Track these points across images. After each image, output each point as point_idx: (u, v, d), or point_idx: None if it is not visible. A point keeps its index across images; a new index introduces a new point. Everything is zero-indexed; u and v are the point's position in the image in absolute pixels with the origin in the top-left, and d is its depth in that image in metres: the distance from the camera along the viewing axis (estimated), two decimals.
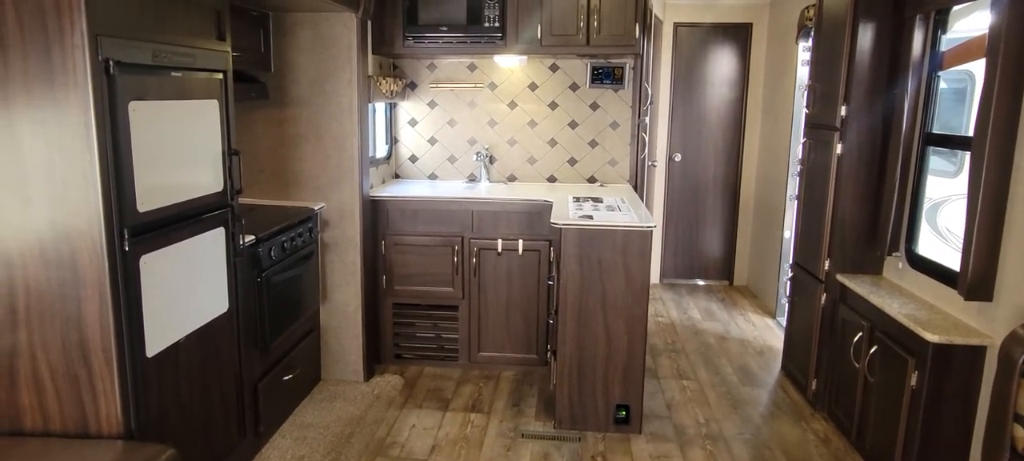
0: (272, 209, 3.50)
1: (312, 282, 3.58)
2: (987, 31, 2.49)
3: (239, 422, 2.85)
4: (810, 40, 4.73)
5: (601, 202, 3.71)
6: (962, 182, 3.71)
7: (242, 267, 2.78)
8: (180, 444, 2.31)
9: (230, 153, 2.60)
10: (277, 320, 3.17)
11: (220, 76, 2.53)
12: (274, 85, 3.58)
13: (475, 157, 4.47)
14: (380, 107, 4.39)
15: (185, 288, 2.38)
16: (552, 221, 3.22)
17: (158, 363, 2.24)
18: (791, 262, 4.01)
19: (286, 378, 3.33)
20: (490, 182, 4.46)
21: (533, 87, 4.44)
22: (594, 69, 4.33)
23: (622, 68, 4.31)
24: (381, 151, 4.41)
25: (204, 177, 2.47)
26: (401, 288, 4.01)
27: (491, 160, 4.52)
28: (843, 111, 3.33)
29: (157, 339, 2.23)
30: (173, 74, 2.25)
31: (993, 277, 2.52)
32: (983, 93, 2.48)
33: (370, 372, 3.93)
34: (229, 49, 2.58)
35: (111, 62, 1.93)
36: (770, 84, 5.48)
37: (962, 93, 3.32)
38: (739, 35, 5.67)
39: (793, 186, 4.95)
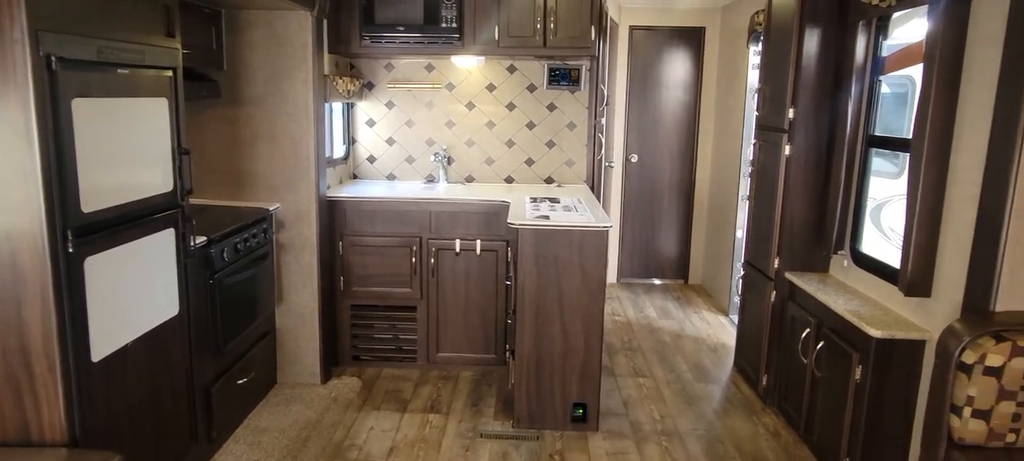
0: (225, 210, 3.43)
1: (267, 284, 3.52)
2: (924, 38, 2.60)
3: (191, 427, 2.79)
4: (760, 44, 4.87)
5: (558, 202, 3.75)
6: (903, 183, 3.88)
7: (193, 269, 2.73)
8: (128, 450, 2.25)
9: (180, 152, 2.54)
10: (231, 323, 3.11)
11: (169, 74, 2.47)
12: (227, 84, 3.52)
13: (433, 158, 4.47)
14: (337, 107, 4.35)
15: (133, 291, 2.32)
16: (509, 221, 3.24)
17: (104, 368, 2.18)
18: (743, 261, 4.11)
19: (240, 382, 3.27)
20: (448, 183, 4.46)
21: (491, 88, 4.46)
22: (551, 70, 4.36)
23: (578, 70, 4.36)
24: (338, 151, 4.37)
25: (153, 177, 2.41)
26: (359, 289, 3.98)
27: (449, 161, 4.52)
28: (791, 114, 3.44)
29: (103, 343, 2.17)
30: (119, 71, 2.19)
31: (931, 274, 2.63)
32: (920, 97, 2.59)
33: (327, 374, 3.89)
34: (179, 46, 2.53)
35: (53, 58, 1.88)
36: (722, 87, 5.61)
37: (903, 97, 3.46)
38: (692, 39, 5.79)
39: (744, 187, 5.07)
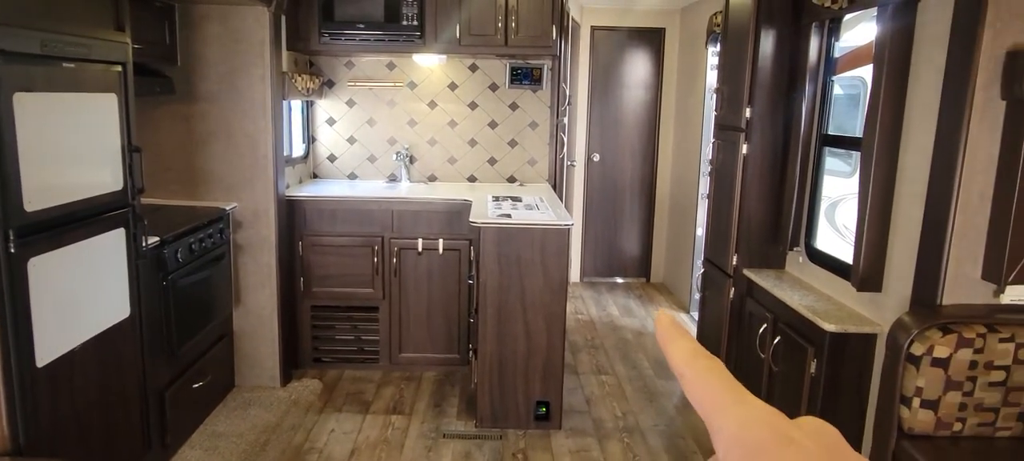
0: (179, 209, 3.35)
1: (224, 285, 3.45)
2: (874, 40, 2.67)
3: (144, 433, 2.71)
4: (718, 46, 4.96)
5: (520, 201, 3.75)
6: (856, 181, 4.00)
7: (145, 270, 2.65)
8: (77, 458, 2.17)
9: (131, 150, 2.47)
10: (185, 325, 3.04)
11: (119, 69, 2.40)
12: (181, 80, 3.43)
13: (395, 157, 4.43)
14: (296, 105, 4.28)
15: (81, 293, 2.24)
16: (471, 220, 3.23)
17: (50, 373, 2.11)
18: (702, 258, 4.17)
19: (196, 386, 3.20)
20: (410, 182, 4.43)
21: (453, 87, 4.44)
22: (513, 70, 4.37)
23: (540, 69, 4.37)
24: (298, 150, 4.30)
25: (101, 175, 2.34)
26: (319, 290, 3.93)
27: (411, 160, 4.49)
28: (748, 113, 3.50)
29: (48, 348, 2.09)
30: (65, 65, 2.12)
31: (882, 270, 2.70)
32: (870, 97, 2.66)
33: (287, 377, 3.82)
34: (129, 40, 2.46)
35: None
36: (682, 87, 5.69)
37: (854, 97, 3.55)
38: (653, 40, 5.85)
39: (704, 185, 5.15)
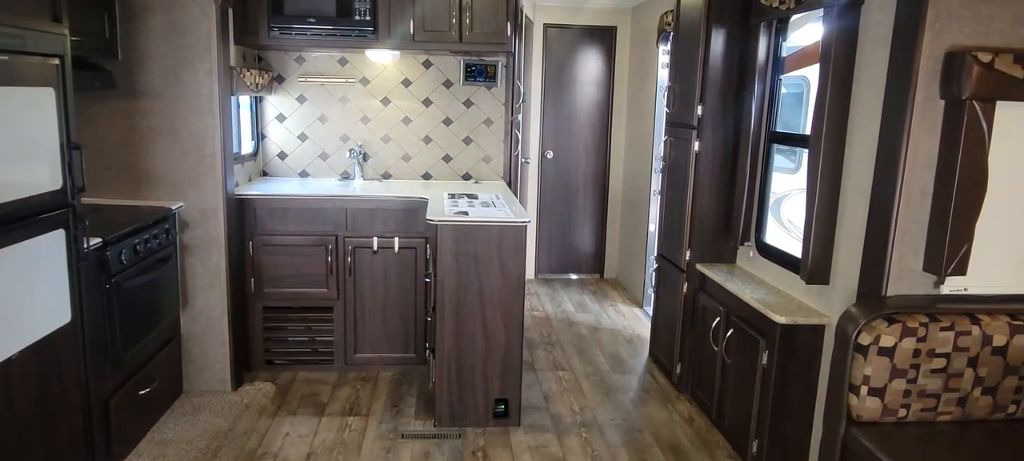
0: (123, 209, 3.22)
1: (171, 287, 3.33)
2: (820, 40, 2.75)
3: (87, 443, 2.60)
4: (669, 44, 5.04)
5: (476, 199, 3.74)
6: (801, 177, 4.12)
7: (87, 273, 2.54)
8: None
9: (70, 147, 2.36)
10: (130, 330, 2.92)
11: (56, 62, 2.29)
12: (123, 74, 3.29)
13: (348, 154, 4.36)
14: (245, 101, 4.16)
15: (16, 298, 2.13)
16: (428, 218, 3.20)
17: None
18: (656, 254, 4.24)
19: (143, 392, 3.08)
20: (364, 179, 4.36)
21: (407, 83, 4.39)
22: (467, 66, 4.35)
23: (495, 66, 4.36)
24: (247, 147, 4.19)
25: (37, 173, 2.23)
26: (271, 290, 3.83)
27: (365, 157, 4.42)
28: (699, 111, 3.57)
29: None
30: None
31: (829, 263, 2.79)
32: (817, 95, 2.74)
33: (239, 380, 3.72)
34: (66, 32, 2.34)
35: None
36: (634, 85, 5.76)
37: (800, 96, 3.66)
38: (605, 38, 5.91)
39: (656, 182, 5.23)
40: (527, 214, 3.30)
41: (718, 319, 3.35)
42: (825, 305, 2.83)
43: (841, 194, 2.74)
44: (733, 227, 3.52)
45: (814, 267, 2.79)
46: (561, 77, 5.95)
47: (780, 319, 2.79)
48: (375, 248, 3.81)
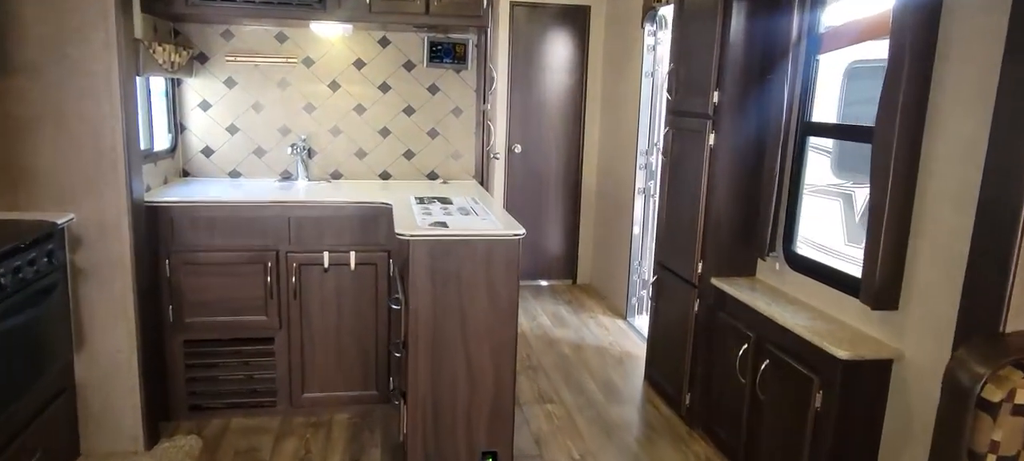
0: None
1: (58, 325, 2.56)
2: (892, 9, 2.23)
3: None
4: (655, 24, 4.49)
5: (450, 204, 3.09)
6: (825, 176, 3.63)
7: None
8: None
9: None
10: (2, 385, 2.16)
11: None
12: None
13: (290, 150, 3.63)
14: (158, 84, 3.39)
15: None
16: (397, 232, 2.53)
17: None
18: (654, 262, 3.69)
19: None
20: (310, 180, 3.65)
21: (360, 65, 3.69)
22: (432, 45, 3.69)
23: (464, 45, 3.72)
24: (162, 142, 3.41)
25: None
26: (196, 320, 3.09)
27: (310, 153, 3.70)
28: (716, 98, 3.02)
29: None
30: None
31: (899, 284, 2.28)
32: (887, 79, 2.21)
33: (154, 435, 2.96)
34: None
35: None
36: (611, 71, 5.20)
37: (854, 78, 3.15)
38: (577, 19, 5.32)
39: (641, 179, 4.69)
40: (519, 225, 2.68)
41: (746, 346, 2.81)
42: (891, 334, 2.32)
43: (916, 198, 2.23)
44: (758, 235, 2.99)
45: (882, 288, 2.27)
46: (530, 62, 5.33)
47: (842, 354, 2.26)
48: (326, 265, 3.12)
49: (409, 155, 3.83)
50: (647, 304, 4.82)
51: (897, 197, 2.22)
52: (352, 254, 3.13)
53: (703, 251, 3.16)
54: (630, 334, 4.53)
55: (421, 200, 3.14)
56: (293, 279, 3.11)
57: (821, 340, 2.35)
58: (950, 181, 2.08)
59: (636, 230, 4.77)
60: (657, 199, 4.18)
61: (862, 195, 4.85)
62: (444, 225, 2.62)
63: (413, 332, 2.59)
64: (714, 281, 3.09)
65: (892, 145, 2.19)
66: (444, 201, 3.15)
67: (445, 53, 3.71)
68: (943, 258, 2.11)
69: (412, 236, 2.50)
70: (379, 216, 3.11)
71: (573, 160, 5.54)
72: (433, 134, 3.83)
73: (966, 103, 2.02)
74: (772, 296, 2.83)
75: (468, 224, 2.67)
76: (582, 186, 5.57)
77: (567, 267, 5.72)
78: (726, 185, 3.07)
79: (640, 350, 4.19)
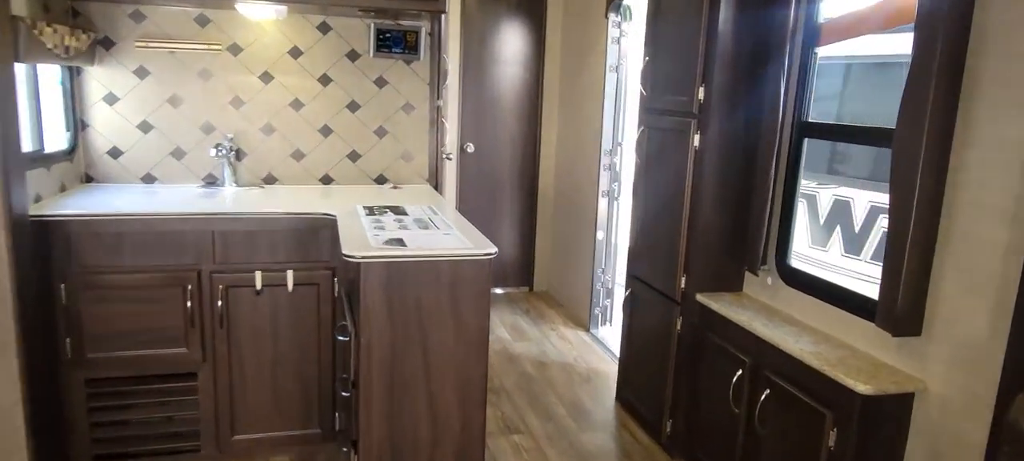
0: None
1: None
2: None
3: None
4: (620, 14, 4.19)
5: (405, 215, 2.69)
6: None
7: None
8: None
9: None
10: None
11: None
12: None
13: (215, 151, 3.14)
14: (50, 73, 2.85)
15: None
16: (344, 253, 2.12)
17: None
18: (627, 273, 3.38)
19: None
20: (238, 186, 3.18)
21: (296, 53, 3.24)
22: (380, 33, 3.27)
23: (416, 33, 3.31)
24: (58, 142, 2.88)
25: None
26: (100, 355, 2.59)
27: (238, 155, 3.23)
28: (701, 94, 2.72)
29: None
30: None
31: (922, 308, 2.02)
32: (914, 76, 1.94)
33: None
34: None
35: None
36: (571, 65, 4.87)
37: (851, 75, 2.90)
38: (533, 8, 4.97)
39: (606, 180, 4.39)
40: (488, 241, 2.31)
41: (741, 373, 2.53)
42: (912, 363, 2.07)
43: (944, 212, 1.97)
44: (750, 246, 2.71)
45: (904, 312, 2.01)
46: (483, 54, 4.95)
47: (863, 388, 1.99)
48: (258, 286, 2.68)
49: (354, 156, 3.40)
50: (611, 314, 4.53)
51: (924, 211, 1.96)
52: (289, 273, 2.69)
53: (687, 264, 2.86)
54: (595, 348, 4.23)
55: (371, 210, 2.73)
56: (219, 304, 2.65)
57: (834, 370, 2.07)
58: (986, 191, 1.83)
59: (600, 235, 4.47)
60: (624, 203, 3.89)
61: (826, 197, 4.69)
62: (400, 242, 2.23)
63: (365, 369, 2.19)
64: (701, 298, 2.79)
65: (919, 153, 1.92)
66: (397, 211, 2.74)
67: (394, 42, 3.29)
68: (976, 277, 1.86)
69: (364, 258, 2.10)
70: (321, 229, 2.69)
71: (529, 160, 5.19)
72: (381, 133, 3.41)
73: (1009, 105, 1.76)
74: (767, 316, 2.56)
75: (429, 241, 2.28)
76: (539, 187, 5.23)
77: (523, 274, 5.38)
78: (713, 191, 2.77)
79: (608, 366, 3.89)
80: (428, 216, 2.67)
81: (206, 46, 3.11)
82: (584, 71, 4.63)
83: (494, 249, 2.22)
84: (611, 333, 4.43)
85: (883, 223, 3.61)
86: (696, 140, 2.76)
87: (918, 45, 1.93)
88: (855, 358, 2.17)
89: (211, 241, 2.63)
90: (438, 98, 3.41)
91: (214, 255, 2.63)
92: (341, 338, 2.49)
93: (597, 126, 4.40)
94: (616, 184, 4.40)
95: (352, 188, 3.29)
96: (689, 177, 2.81)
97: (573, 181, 4.87)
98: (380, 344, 2.18)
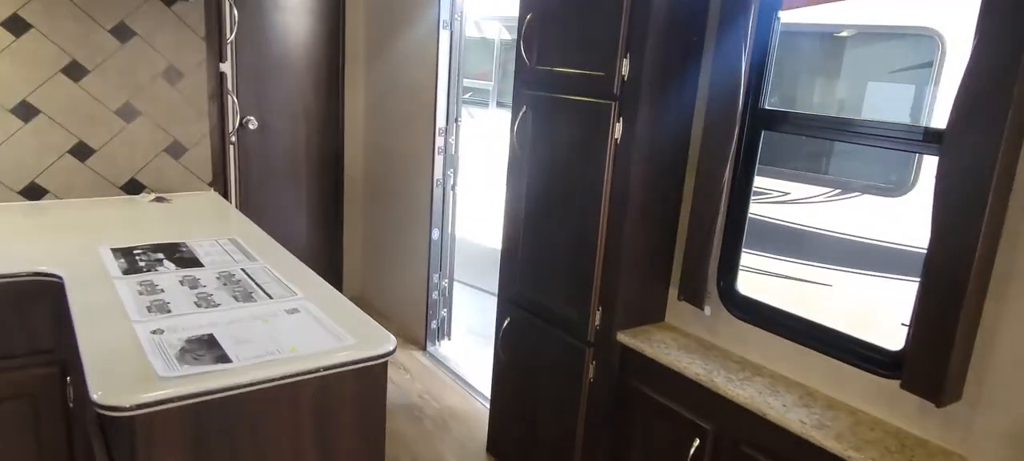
0: None
1: None
2: None
3: None
4: None
5: (198, 265, 1.60)
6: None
7: None
8: None
9: None
10: None
11: None
12: None
13: None
14: None
15: None
16: (98, 402, 1.04)
17: None
18: (502, 296, 2.60)
19: None
20: None
21: None
22: None
23: None
24: None
25: None
26: None
27: None
28: (625, 69, 2.00)
29: None
30: None
31: (967, 363, 1.55)
32: (974, 54, 1.42)
33: None
34: None
35: None
36: (383, 16, 3.86)
37: (826, 51, 2.35)
38: None
39: (440, 166, 3.53)
40: (377, 325, 1.38)
41: (698, 443, 1.91)
42: (943, 433, 1.60)
43: (1001, 235, 1.50)
44: (690, 271, 2.08)
45: (938, 371, 1.52)
46: (261, 1, 3.71)
47: None
48: None
49: (82, 152, 2.13)
50: (450, 328, 3.75)
51: (987, 241, 1.46)
52: None
53: (603, 293, 2.16)
54: (440, 375, 3.41)
55: (128, 258, 1.58)
56: None
57: (857, 454, 1.53)
58: None
59: (436, 235, 3.62)
60: (462, 195, 3.08)
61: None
62: (212, 344, 1.19)
63: None
64: (623, 338, 2.13)
65: (994, 165, 1.41)
66: (177, 255, 1.64)
67: None
68: None
69: (139, 409, 1.04)
70: (35, 297, 1.50)
71: (331, 137, 4.10)
72: (128, 114, 2.18)
73: None
74: (720, 361, 1.97)
75: (272, 334, 1.27)
76: (345, 172, 4.18)
77: (329, 276, 4.29)
78: (640, 200, 2.09)
79: (465, 401, 3.13)
80: (235, 263, 1.62)
81: None
82: (405, 26, 3.66)
83: (392, 345, 1.30)
84: (453, 350, 3.66)
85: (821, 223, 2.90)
86: (618, 130, 2.05)
87: (984, 21, 1.40)
88: (869, 428, 1.66)
89: None
90: (222, 60, 2.27)
91: None
92: None
93: (428, 98, 3.49)
94: (451, 171, 3.57)
95: (83, 206, 2.05)
96: (607, 180, 2.09)
97: (393, 166, 3.92)
98: None
